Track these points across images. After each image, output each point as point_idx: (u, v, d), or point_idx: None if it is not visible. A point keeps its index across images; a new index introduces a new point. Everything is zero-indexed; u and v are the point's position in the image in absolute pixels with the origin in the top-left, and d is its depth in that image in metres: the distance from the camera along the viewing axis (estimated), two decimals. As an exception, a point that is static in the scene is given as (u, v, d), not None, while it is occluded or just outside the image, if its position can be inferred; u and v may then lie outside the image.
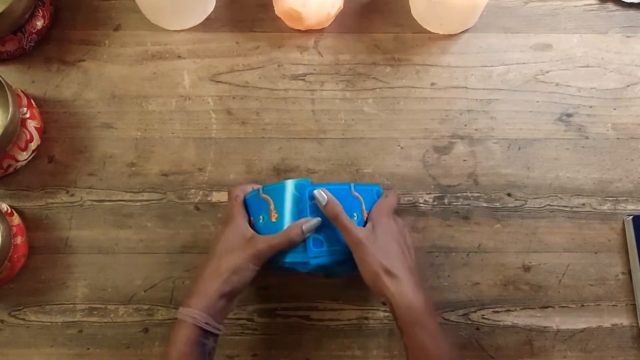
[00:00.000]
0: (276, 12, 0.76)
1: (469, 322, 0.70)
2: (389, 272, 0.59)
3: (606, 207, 0.73)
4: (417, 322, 0.58)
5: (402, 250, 0.61)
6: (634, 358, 0.70)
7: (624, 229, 0.72)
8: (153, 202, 0.73)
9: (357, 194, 0.64)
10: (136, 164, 0.74)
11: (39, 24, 0.75)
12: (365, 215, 0.64)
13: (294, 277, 0.71)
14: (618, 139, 0.75)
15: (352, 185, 0.64)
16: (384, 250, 0.60)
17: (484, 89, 0.76)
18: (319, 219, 0.61)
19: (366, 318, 0.71)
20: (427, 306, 0.59)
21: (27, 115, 0.72)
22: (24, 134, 0.71)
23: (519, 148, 0.74)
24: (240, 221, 0.63)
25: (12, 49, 0.74)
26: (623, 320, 0.70)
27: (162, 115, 0.75)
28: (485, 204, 0.73)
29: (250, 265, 0.60)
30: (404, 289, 0.58)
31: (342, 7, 0.76)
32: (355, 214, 0.63)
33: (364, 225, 0.63)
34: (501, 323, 0.70)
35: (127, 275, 0.71)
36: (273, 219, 0.61)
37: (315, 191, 0.61)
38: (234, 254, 0.60)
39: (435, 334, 0.58)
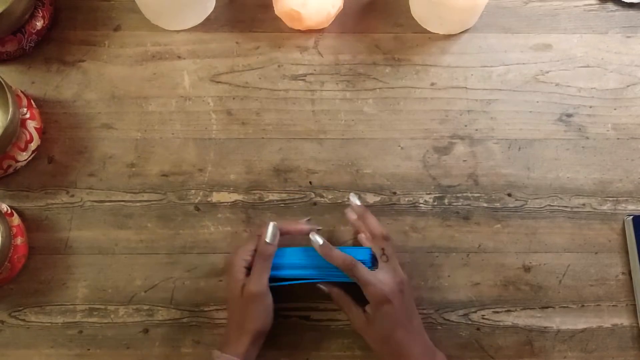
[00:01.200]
0: (276, 12, 0.76)
1: (469, 322, 0.70)
2: (389, 354, 0.62)
3: (606, 207, 0.73)
4: None
5: (406, 326, 0.62)
6: (634, 358, 0.70)
7: (624, 229, 0.72)
8: (153, 202, 0.73)
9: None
10: (136, 164, 0.74)
11: (39, 24, 0.75)
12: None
13: (294, 278, 0.71)
14: (618, 139, 0.75)
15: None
16: (387, 332, 0.62)
17: (484, 89, 0.76)
18: (274, 223, 0.63)
19: (366, 318, 0.71)
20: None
21: (27, 116, 0.72)
22: (23, 135, 0.71)
23: (519, 148, 0.74)
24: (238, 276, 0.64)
25: (12, 50, 0.74)
26: (623, 320, 0.71)
27: (162, 116, 0.75)
28: (485, 204, 0.73)
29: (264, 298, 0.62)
30: None
31: (342, 7, 0.76)
32: None
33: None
34: (501, 323, 0.70)
35: (127, 276, 0.71)
36: None
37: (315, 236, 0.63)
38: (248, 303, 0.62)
39: None
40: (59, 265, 0.71)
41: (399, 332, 0.61)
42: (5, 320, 0.70)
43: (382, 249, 0.64)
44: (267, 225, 0.63)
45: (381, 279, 0.62)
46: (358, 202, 0.67)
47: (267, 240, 0.62)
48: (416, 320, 0.63)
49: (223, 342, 0.63)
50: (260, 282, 0.62)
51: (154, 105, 0.75)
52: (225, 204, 0.73)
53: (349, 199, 0.67)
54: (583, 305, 0.71)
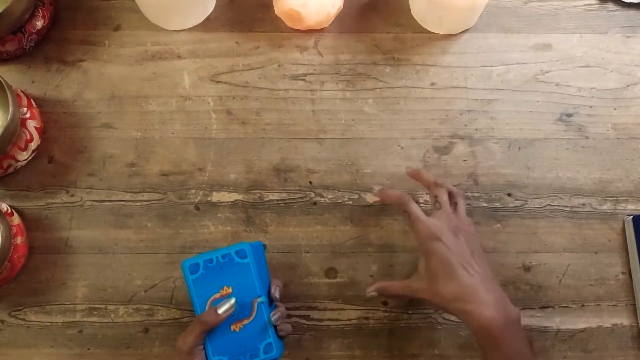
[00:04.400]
0: (276, 12, 0.76)
1: (469, 322, 0.70)
2: (454, 299, 0.59)
3: (606, 207, 0.73)
4: (489, 344, 0.57)
5: (460, 269, 0.59)
6: (634, 358, 0.70)
7: (624, 229, 0.72)
8: (153, 202, 0.73)
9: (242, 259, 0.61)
10: (136, 164, 0.74)
11: (39, 24, 0.75)
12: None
13: (293, 277, 0.71)
14: (618, 139, 0.75)
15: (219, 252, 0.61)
16: (439, 280, 0.60)
17: (484, 89, 0.76)
18: (234, 299, 0.59)
19: (366, 318, 0.71)
20: (503, 324, 0.57)
21: (27, 115, 0.72)
22: (24, 134, 0.71)
23: (519, 148, 0.74)
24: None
25: (12, 49, 0.74)
26: (623, 320, 0.71)
27: (162, 116, 0.75)
28: (485, 204, 0.73)
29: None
30: (470, 309, 0.58)
31: (342, 7, 0.76)
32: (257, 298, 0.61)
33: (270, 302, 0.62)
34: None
35: (127, 275, 0.71)
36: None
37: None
38: None
39: (514, 356, 0.57)
40: (59, 265, 0.71)
41: (459, 276, 0.59)
42: (5, 319, 0.70)
43: (435, 197, 0.64)
44: (229, 300, 0.58)
45: (431, 219, 0.62)
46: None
47: (219, 311, 0.58)
48: (481, 267, 0.60)
49: None
50: (184, 341, 0.57)
51: (154, 105, 0.75)
52: (225, 203, 0.73)
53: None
54: (583, 305, 0.71)
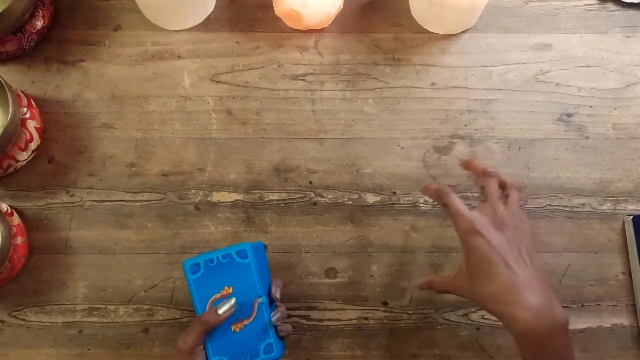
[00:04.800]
0: (276, 12, 0.76)
1: (469, 322, 0.70)
2: (493, 300, 0.54)
3: (606, 207, 0.73)
4: (529, 351, 0.52)
5: (501, 267, 0.54)
6: (634, 358, 0.70)
7: (624, 229, 0.72)
8: (153, 202, 0.73)
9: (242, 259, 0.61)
10: (136, 164, 0.74)
11: (39, 24, 0.75)
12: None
13: (293, 277, 0.71)
14: (618, 139, 0.75)
15: (220, 253, 0.61)
16: (479, 278, 0.55)
17: (484, 89, 0.76)
18: (234, 299, 0.59)
19: (366, 318, 0.71)
20: (544, 328, 0.52)
21: (27, 116, 0.72)
22: (24, 134, 0.71)
23: (519, 148, 0.74)
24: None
25: (12, 49, 0.74)
26: (623, 320, 0.71)
27: (162, 116, 0.75)
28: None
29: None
30: (509, 311, 0.53)
31: (342, 7, 0.76)
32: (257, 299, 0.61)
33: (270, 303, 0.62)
34: (501, 323, 0.70)
35: (127, 276, 0.71)
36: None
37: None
38: None
39: None
40: (59, 265, 0.71)
41: (499, 274, 0.53)
42: (5, 320, 0.70)
43: (482, 187, 0.59)
44: (229, 300, 0.58)
45: (474, 212, 0.57)
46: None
47: (220, 311, 0.57)
48: (527, 265, 0.54)
49: None
50: (185, 341, 0.57)
51: (154, 105, 0.75)
52: (226, 203, 0.73)
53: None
54: (583, 305, 0.71)
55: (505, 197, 0.59)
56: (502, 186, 0.60)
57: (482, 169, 0.60)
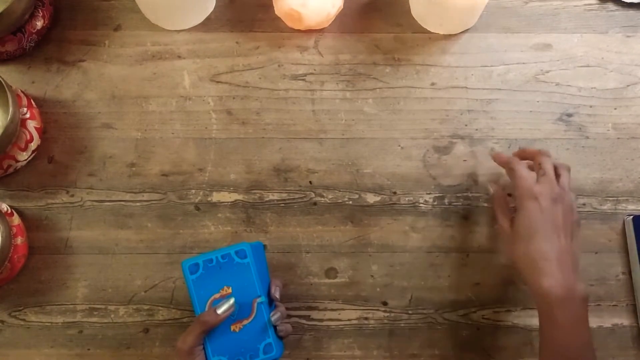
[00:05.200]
0: (276, 12, 0.76)
1: (470, 322, 0.70)
2: (524, 264, 0.60)
3: (606, 207, 0.73)
4: (546, 314, 0.58)
5: (544, 235, 0.59)
6: (634, 358, 0.70)
7: (624, 229, 0.72)
8: (153, 202, 0.73)
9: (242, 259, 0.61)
10: (136, 164, 0.74)
11: (39, 24, 0.75)
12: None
13: (293, 277, 0.71)
14: (618, 138, 0.75)
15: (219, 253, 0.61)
16: (520, 239, 0.60)
17: (484, 89, 0.76)
18: (233, 299, 0.59)
19: (366, 318, 0.71)
20: (562, 297, 0.57)
21: (27, 116, 0.72)
22: (24, 134, 0.71)
23: (519, 148, 0.74)
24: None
25: (12, 49, 0.74)
26: (623, 320, 0.71)
27: (162, 116, 0.75)
28: (485, 204, 0.73)
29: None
30: (534, 276, 0.58)
31: (342, 7, 0.76)
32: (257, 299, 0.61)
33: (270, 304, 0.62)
34: (502, 323, 0.70)
35: (127, 276, 0.71)
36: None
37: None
38: None
39: (566, 333, 0.57)
40: (59, 265, 0.71)
41: (539, 239, 0.59)
42: (5, 320, 0.70)
43: (539, 164, 0.64)
44: (228, 300, 0.59)
45: (535, 181, 0.62)
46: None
47: (219, 311, 0.58)
48: (566, 242, 0.60)
49: None
50: (184, 341, 0.58)
51: (154, 105, 0.75)
52: (226, 203, 0.73)
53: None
54: (583, 305, 0.71)
55: (558, 176, 0.64)
56: (555, 168, 0.65)
57: (537, 150, 0.66)
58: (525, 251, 0.60)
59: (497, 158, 0.69)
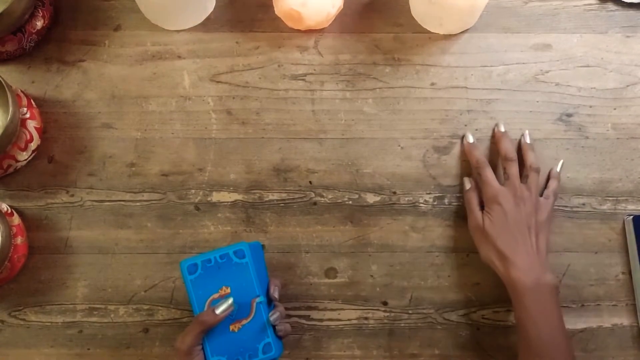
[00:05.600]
0: (276, 12, 0.76)
1: (470, 322, 0.71)
2: (489, 258, 0.67)
3: (606, 207, 0.73)
4: (517, 302, 0.64)
5: (508, 235, 0.66)
6: (634, 358, 0.70)
7: (624, 229, 0.72)
8: (153, 202, 0.73)
9: (240, 258, 0.61)
10: (136, 164, 0.74)
11: (39, 24, 0.75)
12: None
13: (293, 277, 0.71)
14: (618, 138, 0.75)
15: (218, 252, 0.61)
16: (487, 237, 0.66)
17: (484, 89, 0.76)
18: (231, 299, 0.59)
19: (366, 318, 0.71)
20: (530, 286, 0.63)
21: (27, 116, 0.72)
22: (24, 134, 0.71)
23: (519, 148, 0.74)
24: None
25: (12, 49, 0.74)
26: (623, 320, 0.71)
27: (162, 116, 0.75)
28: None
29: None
30: (501, 268, 0.65)
31: (342, 7, 0.76)
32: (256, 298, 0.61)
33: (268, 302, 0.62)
34: (502, 323, 0.70)
35: (127, 275, 0.71)
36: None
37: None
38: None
39: (536, 319, 0.62)
40: (59, 265, 0.71)
41: (505, 237, 0.65)
42: (5, 319, 0.70)
43: (504, 169, 0.70)
44: (227, 300, 0.59)
45: (501, 186, 0.68)
46: (502, 129, 0.73)
47: (217, 311, 0.58)
48: (531, 240, 0.66)
49: None
50: (183, 341, 0.58)
51: (154, 105, 0.75)
52: (225, 203, 0.73)
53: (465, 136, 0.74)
54: (583, 305, 0.71)
55: (525, 177, 0.69)
56: (526, 169, 0.70)
57: (504, 154, 0.71)
58: (494, 247, 0.66)
59: (468, 153, 0.73)
